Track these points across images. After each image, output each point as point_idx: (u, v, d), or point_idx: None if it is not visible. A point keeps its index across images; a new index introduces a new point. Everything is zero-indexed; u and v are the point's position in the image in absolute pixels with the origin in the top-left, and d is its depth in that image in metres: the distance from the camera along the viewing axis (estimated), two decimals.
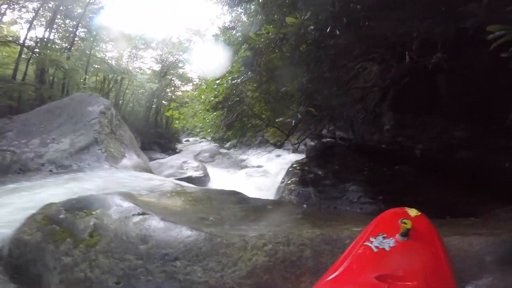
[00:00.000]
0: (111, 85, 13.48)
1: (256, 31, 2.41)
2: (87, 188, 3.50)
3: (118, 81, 13.46)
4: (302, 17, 1.76)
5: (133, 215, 1.52)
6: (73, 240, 1.48)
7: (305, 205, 3.12)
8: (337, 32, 1.77)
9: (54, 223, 1.64)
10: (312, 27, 1.80)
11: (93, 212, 1.66)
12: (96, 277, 1.28)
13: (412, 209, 1.01)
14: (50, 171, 4.32)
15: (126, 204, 1.70)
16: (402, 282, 0.69)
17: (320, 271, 1.03)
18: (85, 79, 11.62)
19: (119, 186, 3.52)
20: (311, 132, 5.01)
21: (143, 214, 1.51)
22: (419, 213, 0.99)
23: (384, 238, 0.86)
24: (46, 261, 1.45)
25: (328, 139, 5.42)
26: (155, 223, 1.40)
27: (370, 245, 0.85)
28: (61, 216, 1.70)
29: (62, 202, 1.90)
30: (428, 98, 2.60)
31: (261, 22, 2.74)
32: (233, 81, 3.10)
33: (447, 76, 2.26)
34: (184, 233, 1.29)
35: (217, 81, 3.51)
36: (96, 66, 12.81)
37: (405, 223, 0.86)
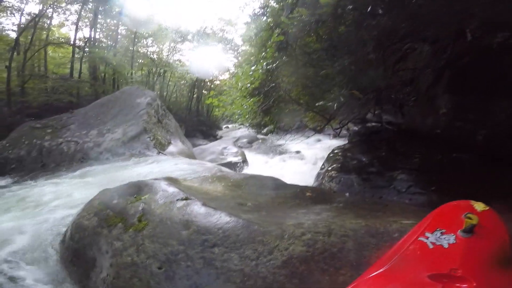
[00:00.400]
0: (155, 78, 14.37)
1: (287, 15, 2.28)
2: (140, 173, 3.83)
3: (161, 74, 14.30)
4: None
5: (177, 200, 1.59)
6: (124, 225, 1.57)
7: (347, 194, 2.97)
8: (380, 11, 1.56)
9: (109, 208, 1.77)
10: (350, 7, 1.62)
11: (142, 198, 1.77)
12: (141, 261, 1.33)
13: (479, 202, 0.89)
14: (107, 158, 4.82)
15: (171, 189, 1.78)
16: (459, 283, 0.61)
17: (362, 265, 0.95)
18: (131, 74, 12.56)
19: (166, 171, 3.76)
20: (355, 116, 4.73)
21: (186, 199, 1.57)
22: (487, 208, 0.87)
23: (442, 233, 0.77)
24: (100, 245, 1.56)
25: (373, 124, 5.05)
26: (197, 208, 1.44)
27: (425, 240, 0.76)
28: (114, 201, 1.83)
29: (115, 188, 2.07)
30: (492, 80, 2.24)
31: (292, 5, 2.59)
32: (268, 67, 3.02)
33: None
34: (223, 219, 1.30)
35: (252, 68, 3.46)
36: (140, 61, 13.75)
37: (469, 218, 0.76)
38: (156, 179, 1.98)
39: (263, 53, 3.35)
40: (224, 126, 15.14)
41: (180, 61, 15.77)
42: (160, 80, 14.69)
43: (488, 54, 2.10)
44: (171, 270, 1.25)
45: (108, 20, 12.30)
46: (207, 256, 1.22)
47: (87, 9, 11.25)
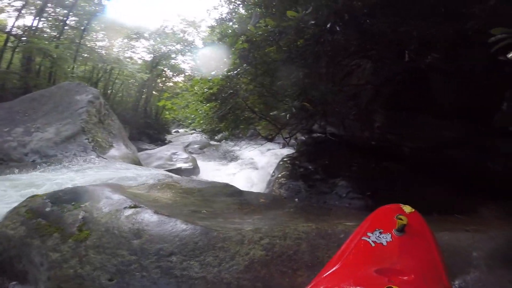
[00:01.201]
0: (100, 75, 13.11)
1: (254, 24, 2.35)
2: (74, 179, 3.39)
3: (108, 70, 13.11)
4: (303, 12, 1.73)
5: (124, 208, 1.48)
6: (60, 235, 1.41)
7: (296, 199, 3.15)
8: (337, 29, 1.75)
9: (40, 217, 1.56)
10: (312, 22, 1.77)
11: (81, 205, 1.59)
12: (87, 273, 1.23)
13: (407, 205, 1.03)
14: (34, 161, 4.16)
15: (117, 197, 1.65)
16: (400, 276, 0.71)
17: (316, 265, 1.04)
18: (73, 68, 11.25)
19: (106, 177, 3.42)
20: (303, 127, 5.03)
21: (135, 207, 1.48)
22: (413, 210, 1.02)
23: (380, 233, 0.88)
24: (32, 257, 1.39)
25: (318, 134, 5.47)
26: (148, 216, 1.37)
27: (367, 240, 0.87)
28: (47, 209, 1.62)
29: (47, 194, 1.81)
30: (420, 97, 2.64)
31: (261, 15, 2.68)
32: (229, 73, 3.04)
33: (441, 76, 2.30)
34: (179, 226, 1.27)
35: (212, 73, 3.44)
36: (86, 55, 12.44)
37: (400, 219, 0.88)
38: (97, 185, 1.81)
39: (224, 59, 3.35)
40: (174, 130, 14.45)
41: (131, 58, 14.80)
42: (105, 77, 13.44)
43: (419, 74, 2.39)
44: (124, 281, 1.17)
45: (58, 10, 10.81)
46: (164, 265, 1.17)
47: None
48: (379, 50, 2.11)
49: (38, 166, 3.76)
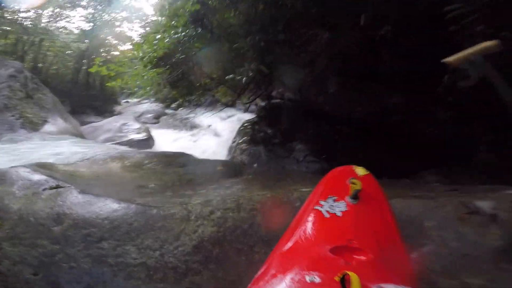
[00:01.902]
0: (25, 48, 11.20)
1: None
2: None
3: (36, 43, 11.22)
4: None
5: (43, 189, 1.22)
6: None
7: (255, 165, 3.09)
8: None
9: None
10: None
11: None
12: (8, 269, 1.04)
13: (360, 167, 0.95)
14: None
15: (37, 177, 1.36)
16: (358, 255, 0.64)
17: (272, 239, 0.95)
18: None
19: (38, 156, 2.95)
20: (262, 93, 4.97)
21: (56, 187, 1.22)
22: (367, 172, 0.93)
23: (334, 201, 0.80)
24: None
25: (277, 100, 5.44)
26: (71, 197, 1.13)
27: (320, 209, 0.78)
28: None
29: None
30: (371, 67, 2.73)
31: None
32: (176, 35, 2.74)
33: (391, 48, 2.32)
34: (109, 207, 1.07)
35: (158, 36, 3.05)
36: (5, 27, 10.37)
37: (354, 183, 0.79)
38: (13, 166, 1.48)
39: (173, 22, 2.98)
40: (124, 100, 13.14)
41: (65, 28, 12.77)
42: (34, 49, 11.47)
43: (371, 44, 2.40)
44: (51, 274, 1.00)
45: None
46: (95, 253, 0.99)
47: None
48: (335, 20, 2.03)
49: None
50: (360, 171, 0.92)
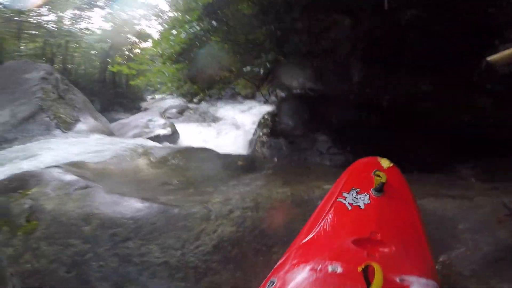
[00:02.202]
0: (54, 50, 11.91)
1: None
2: (39, 159, 3.11)
3: (63, 45, 11.88)
4: None
5: (74, 190, 1.29)
6: (10, 228, 1.27)
7: (275, 159, 3.06)
8: None
9: None
10: None
11: (28, 192, 1.40)
12: (45, 267, 1.11)
13: (385, 159, 0.92)
14: None
15: (68, 178, 1.45)
16: (381, 247, 0.63)
17: (291, 240, 0.93)
18: (18, 47, 9.98)
19: (72, 154, 3.15)
20: (281, 83, 4.85)
21: (85, 187, 1.29)
22: (391, 164, 0.90)
23: (357, 193, 0.78)
24: None
25: (298, 90, 5.28)
26: (99, 197, 1.19)
27: (343, 201, 0.77)
28: None
29: None
30: (397, 52, 2.52)
31: None
32: (191, 30, 2.73)
33: (419, 32, 2.13)
34: (133, 206, 1.11)
35: (173, 31, 3.06)
36: (32, 31, 11.04)
37: (378, 176, 0.78)
38: (48, 167, 1.58)
39: (188, 17, 2.98)
40: (150, 97, 13.64)
41: (88, 29, 13.42)
42: (62, 52, 12.20)
43: (397, 29, 2.25)
44: (82, 272, 1.06)
45: None
46: (121, 252, 1.04)
47: None
48: (355, 5, 1.87)
49: None
50: (385, 163, 0.90)
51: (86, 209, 1.14)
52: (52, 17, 12.40)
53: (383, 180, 0.76)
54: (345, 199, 0.77)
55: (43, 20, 12.03)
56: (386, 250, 0.62)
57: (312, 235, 0.71)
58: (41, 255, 1.13)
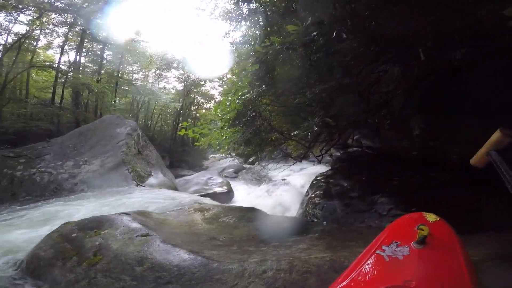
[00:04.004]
0: (139, 106, 14.12)
1: (260, 43, 2.33)
2: (113, 206, 3.64)
3: (146, 102, 14.06)
4: (304, 24, 1.67)
5: (136, 236, 1.50)
6: (78, 258, 1.52)
7: (325, 222, 2.90)
8: (344, 36, 1.64)
9: (67, 241, 1.70)
10: (315, 33, 1.69)
11: (101, 232, 1.68)
12: None
13: (431, 214, 0.92)
14: (82, 190, 4.59)
15: (134, 225, 1.69)
16: None
17: None
18: (114, 101, 12.11)
19: (140, 204, 3.59)
20: (335, 143, 4.78)
21: (146, 235, 1.48)
22: (438, 218, 0.90)
23: (397, 246, 0.78)
24: (55, 276, 1.49)
25: (354, 149, 5.13)
26: (155, 245, 1.36)
27: (382, 253, 0.77)
28: (74, 235, 1.76)
29: (77, 221, 1.96)
30: (457, 97, 2.32)
31: (267, 34, 2.67)
32: (243, 97, 3.04)
33: (475, 71, 1.99)
34: (180, 257, 1.23)
35: (229, 98, 3.48)
36: (125, 87, 13.43)
37: (422, 230, 0.78)
38: (120, 213, 1.87)
39: (240, 83, 3.39)
40: (211, 156, 14.96)
41: (165, 88, 15.63)
42: (144, 108, 14.49)
43: (452, 71, 2.15)
44: None
45: (95, 44, 11.85)
46: None
47: (74, 32, 10.93)
48: (397, 53, 1.89)
49: (84, 194, 4.13)
50: (431, 217, 0.91)
51: (142, 253, 1.31)
52: (139, 75, 14.75)
53: (425, 233, 0.76)
54: (383, 252, 0.78)
55: (134, 78, 14.35)
56: None
57: (345, 283, 0.73)
58: (94, 284, 1.31)
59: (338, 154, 5.79)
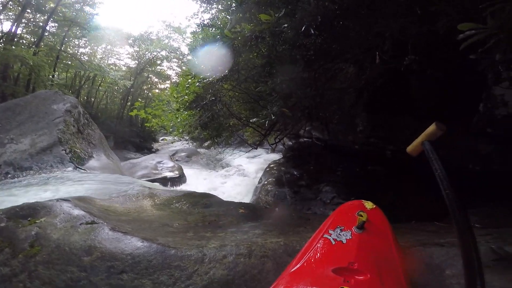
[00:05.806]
0: (82, 82, 12.75)
1: (230, 29, 2.27)
2: (48, 191, 3.22)
3: (91, 78, 12.75)
4: (276, 15, 1.68)
5: (80, 224, 1.37)
6: (12, 250, 1.35)
7: (277, 209, 3.06)
8: (311, 31, 1.70)
9: None
10: (285, 25, 1.72)
11: (37, 221, 1.50)
12: None
13: (368, 201, 1.07)
14: (7, 173, 3.96)
15: (76, 212, 1.54)
16: (357, 275, 0.71)
17: None
18: (53, 76, 10.89)
19: (80, 190, 3.26)
20: (288, 132, 4.98)
21: (91, 223, 1.37)
22: (374, 206, 1.04)
23: (341, 230, 0.89)
24: None
25: (305, 139, 5.43)
26: (103, 233, 1.26)
27: (328, 237, 0.87)
28: (2, 224, 1.53)
29: (4, 209, 1.70)
30: (400, 99, 2.63)
31: (238, 19, 2.60)
32: (205, 80, 2.94)
33: (418, 78, 2.28)
34: (133, 244, 1.17)
35: (189, 80, 3.34)
36: (67, 62, 12.10)
37: (361, 216, 0.90)
38: (58, 200, 1.68)
39: (202, 66, 3.26)
40: (161, 138, 14.16)
41: (115, 65, 14.44)
42: (88, 84, 13.08)
43: (398, 76, 2.34)
44: None
45: (38, 15, 10.52)
46: (115, 282, 1.08)
47: (17, 1, 9.59)
48: (356, 54, 2.06)
49: (8, 180, 3.56)
50: (368, 205, 1.05)
51: (89, 242, 1.21)
52: (87, 49, 13.32)
53: (364, 219, 0.88)
54: (330, 235, 0.88)
55: (79, 52, 12.93)
56: (361, 277, 0.70)
57: (299, 265, 0.81)
58: (36, 277, 1.19)
59: (290, 143, 6.07)
